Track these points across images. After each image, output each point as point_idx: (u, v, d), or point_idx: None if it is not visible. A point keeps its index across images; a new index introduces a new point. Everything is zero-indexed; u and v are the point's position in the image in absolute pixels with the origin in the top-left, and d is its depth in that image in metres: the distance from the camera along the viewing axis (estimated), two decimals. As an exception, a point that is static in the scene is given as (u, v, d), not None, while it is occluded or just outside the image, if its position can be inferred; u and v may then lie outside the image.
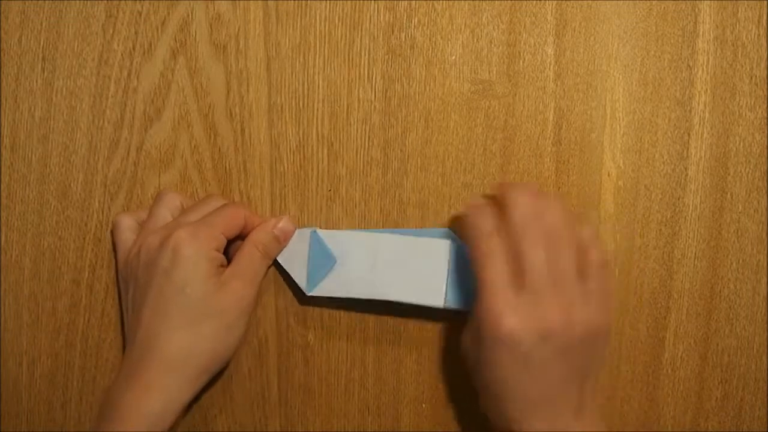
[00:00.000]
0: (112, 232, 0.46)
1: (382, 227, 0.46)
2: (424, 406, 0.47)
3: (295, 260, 0.46)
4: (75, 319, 0.47)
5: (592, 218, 0.47)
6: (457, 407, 0.47)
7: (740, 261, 0.47)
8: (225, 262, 0.43)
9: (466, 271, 0.44)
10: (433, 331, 0.47)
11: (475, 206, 0.41)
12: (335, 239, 0.46)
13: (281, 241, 0.45)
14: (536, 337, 0.38)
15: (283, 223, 0.45)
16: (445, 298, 0.44)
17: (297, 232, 0.46)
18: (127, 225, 0.45)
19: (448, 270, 0.45)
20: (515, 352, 0.38)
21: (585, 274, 0.40)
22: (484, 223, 0.40)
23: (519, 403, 0.40)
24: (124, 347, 0.46)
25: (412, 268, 0.45)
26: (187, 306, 0.41)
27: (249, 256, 0.44)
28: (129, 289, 0.43)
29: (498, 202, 0.41)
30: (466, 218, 0.41)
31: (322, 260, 0.45)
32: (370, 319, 0.47)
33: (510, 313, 0.38)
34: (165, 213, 0.44)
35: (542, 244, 0.39)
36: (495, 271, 0.39)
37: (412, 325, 0.47)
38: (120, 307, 0.46)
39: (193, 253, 0.41)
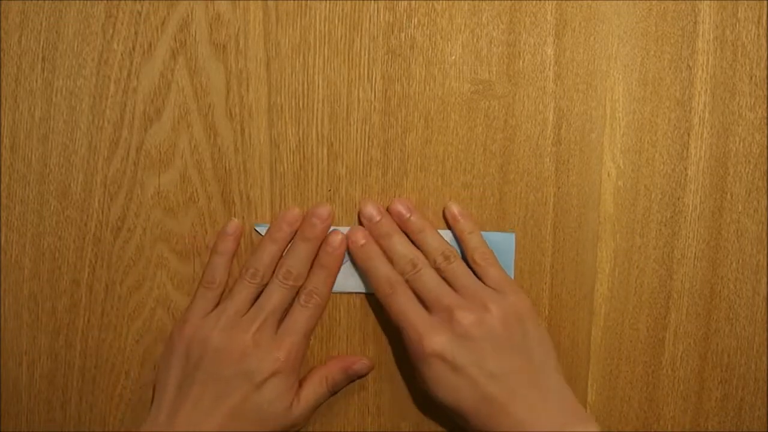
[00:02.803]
0: (199, 291, 0.46)
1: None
2: (424, 406, 0.47)
3: None
4: (75, 319, 0.47)
5: (592, 219, 0.47)
6: (457, 407, 0.47)
7: (740, 261, 0.47)
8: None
9: (465, 261, 0.45)
10: (433, 331, 0.47)
11: (364, 259, 0.45)
12: None
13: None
14: (455, 338, 0.42)
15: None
16: None
17: None
18: (215, 295, 0.46)
19: None
20: (446, 360, 0.42)
21: (481, 273, 0.44)
22: (379, 268, 0.44)
23: (476, 412, 0.42)
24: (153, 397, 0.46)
25: None
26: (259, 417, 0.43)
27: (315, 392, 0.45)
28: (190, 357, 0.43)
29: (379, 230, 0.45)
30: (362, 266, 0.45)
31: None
32: (370, 319, 0.47)
33: (428, 331, 0.42)
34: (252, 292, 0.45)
35: (432, 275, 0.44)
36: (405, 305, 0.43)
37: (412, 325, 0.47)
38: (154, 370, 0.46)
39: (285, 392, 0.43)
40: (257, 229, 0.46)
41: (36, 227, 0.47)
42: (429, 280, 0.44)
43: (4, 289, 0.47)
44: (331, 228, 0.46)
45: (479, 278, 0.44)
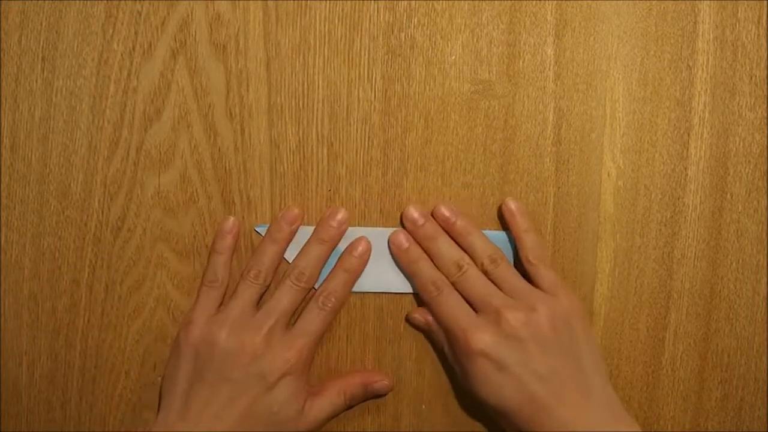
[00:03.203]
0: (200, 290, 0.46)
1: (382, 227, 0.46)
2: (424, 406, 0.47)
3: None
4: (75, 319, 0.47)
5: (592, 219, 0.47)
6: (456, 407, 0.47)
7: (740, 261, 0.47)
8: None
9: None
10: (433, 330, 0.47)
11: (409, 261, 0.45)
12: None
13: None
14: (502, 338, 0.41)
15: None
16: None
17: (302, 229, 0.46)
18: (218, 294, 0.45)
19: None
20: (491, 358, 0.41)
21: (534, 274, 0.44)
22: (424, 271, 0.45)
23: (519, 411, 0.41)
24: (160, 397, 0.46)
25: None
26: (270, 420, 0.42)
27: (332, 403, 0.45)
28: (198, 358, 0.43)
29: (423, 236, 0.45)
30: (407, 268, 0.45)
31: (331, 256, 0.46)
32: (370, 319, 0.47)
33: (473, 329, 0.42)
34: (256, 293, 0.45)
35: (478, 276, 0.44)
36: (452, 305, 0.43)
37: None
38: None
39: (296, 394, 0.43)
40: (257, 230, 0.46)
41: (36, 227, 0.47)
42: (476, 281, 0.44)
43: (4, 289, 0.47)
44: (349, 228, 0.46)
45: (532, 279, 0.44)
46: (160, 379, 0.47)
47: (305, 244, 0.46)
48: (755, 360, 0.47)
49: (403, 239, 0.45)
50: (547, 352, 0.41)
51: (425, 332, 0.47)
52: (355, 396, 0.45)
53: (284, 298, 0.44)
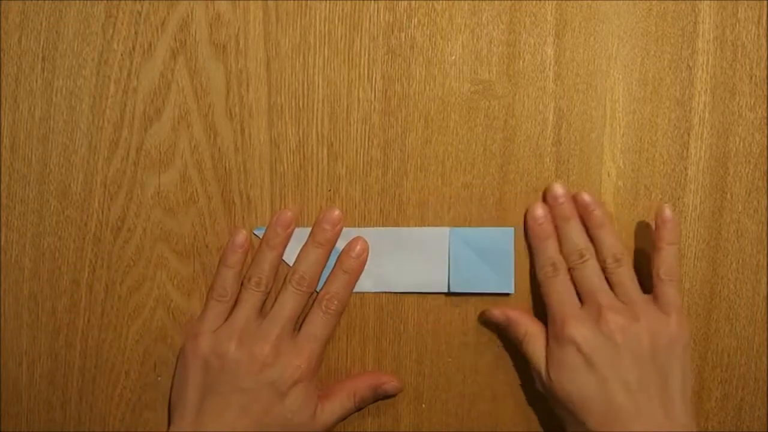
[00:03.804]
0: (206, 304, 0.46)
1: (382, 227, 0.46)
2: (424, 406, 0.47)
3: None
4: (75, 319, 0.47)
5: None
6: (456, 407, 0.47)
7: (740, 261, 0.47)
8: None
9: (465, 257, 0.46)
10: (433, 331, 0.47)
11: (539, 236, 0.45)
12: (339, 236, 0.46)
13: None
14: (597, 334, 0.42)
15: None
16: (448, 285, 0.46)
17: (301, 230, 0.46)
18: (226, 308, 0.45)
19: (449, 257, 0.46)
20: (582, 351, 0.41)
21: (657, 289, 0.43)
22: (549, 249, 0.45)
23: (592, 413, 0.41)
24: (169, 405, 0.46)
25: (414, 258, 0.46)
26: (283, 428, 0.43)
27: (342, 406, 0.45)
28: (209, 370, 0.43)
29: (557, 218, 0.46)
30: (534, 241, 0.46)
31: (332, 256, 0.46)
32: (370, 319, 0.47)
33: (572, 318, 0.43)
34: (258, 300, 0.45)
35: (596, 270, 0.44)
36: (562, 290, 0.44)
37: (412, 324, 0.47)
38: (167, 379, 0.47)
39: (308, 400, 0.43)
40: (256, 233, 0.46)
41: (36, 227, 0.47)
42: (592, 273, 0.44)
43: (4, 289, 0.47)
44: (344, 229, 0.46)
45: (654, 292, 0.44)
46: (159, 378, 0.47)
47: (303, 248, 0.46)
48: (755, 360, 0.47)
49: (540, 213, 0.45)
50: (640, 365, 0.41)
51: (502, 328, 0.46)
52: (365, 398, 0.45)
53: (287, 304, 0.44)
